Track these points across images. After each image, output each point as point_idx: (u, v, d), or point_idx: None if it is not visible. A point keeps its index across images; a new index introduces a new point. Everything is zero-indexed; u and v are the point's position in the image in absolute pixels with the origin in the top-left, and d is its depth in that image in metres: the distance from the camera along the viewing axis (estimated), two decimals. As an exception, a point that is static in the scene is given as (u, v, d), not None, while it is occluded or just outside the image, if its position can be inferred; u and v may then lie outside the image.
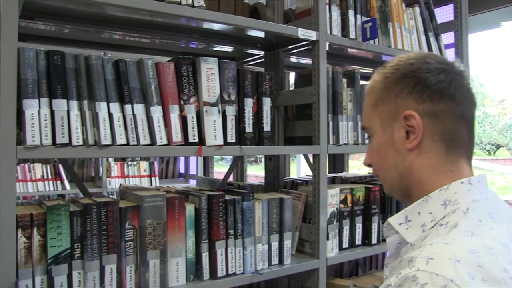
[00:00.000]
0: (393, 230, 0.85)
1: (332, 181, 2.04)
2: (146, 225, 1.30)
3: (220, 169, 6.60)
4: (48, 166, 4.01)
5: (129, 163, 4.27)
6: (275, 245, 1.59)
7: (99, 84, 1.25)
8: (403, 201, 1.00)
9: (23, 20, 1.42)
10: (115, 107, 1.27)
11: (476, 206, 0.76)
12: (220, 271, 1.44)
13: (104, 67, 1.26)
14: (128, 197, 1.42)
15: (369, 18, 1.83)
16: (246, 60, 2.12)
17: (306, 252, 1.72)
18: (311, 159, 1.73)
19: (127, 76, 1.30)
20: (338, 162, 2.63)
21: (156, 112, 1.33)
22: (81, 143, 1.21)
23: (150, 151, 1.34)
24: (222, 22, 1.47)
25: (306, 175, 2.20)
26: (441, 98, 0.81)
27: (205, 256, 1.42)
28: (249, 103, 1.55)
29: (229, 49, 1.97)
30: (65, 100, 1.20)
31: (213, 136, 1.43)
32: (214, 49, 1.97)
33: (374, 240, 1.90)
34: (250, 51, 2.01)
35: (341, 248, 1.80)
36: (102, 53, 2.26)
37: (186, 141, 1.39)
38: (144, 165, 4.34)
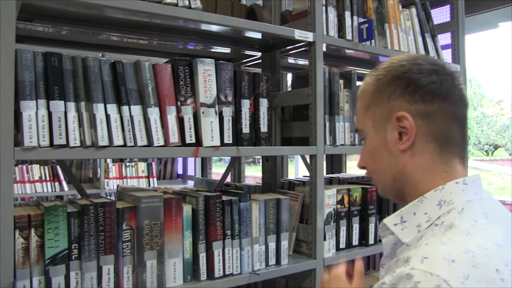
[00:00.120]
0: (388, 231, 0.85)
1: (330, 182, 2.05)
2: (143, 225, 1.31)
3: (218, 170, 6.59)
4: (46, 168, 4.01)
5: (127, 164, 4.27)
6: (272, 245, 1.60)
7: (96, 85, 1.25)
8: (397, 202, 1.00)
9: (21, 22, 1.43)
10: (112, 108, 1.28)
11: (471, 206, 0.77)
12: (218, 272, 1.44)
13: (101, 69, 1.27)
14: (125, 198, 1.42)
15: (365, 19, 1.84)
16: (243, 61, 2.12)
17: (303, 252, 1.73)
18: (308, 160, 1.73)
19: (124, 78, 1.31)
20: (335, 162, 2.63)
21: (153, 113, 1.34)
22: (78, 144, 1.22)
23: (147, 152, 1.34)
24: (219, 24, 1.48)
25: (304, 176, 2.20)
26: (433, 99, 0.81)
27: (202, 257, 1.43)
28: (246, 104, 1.55)
29: (226, 50, 1.98)
30: (62, 102, 1.21)
31: (210, 137, 1.43)
32: (212, 50, 1.97)
33: (371, 240, 1.91)
34: (247, 52, 2.01)
35: (338, 248, 1.81)
36: (100, 55, 2.27)
37: (183, 142, 1.39)
38: (142, 166, 4.33)
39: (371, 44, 1.88)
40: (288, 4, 2.19)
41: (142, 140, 1.32)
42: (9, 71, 1.10)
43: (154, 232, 1.32)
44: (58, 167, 3.97)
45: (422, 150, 0.82)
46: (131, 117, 1.31)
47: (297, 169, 5.28)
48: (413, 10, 2.07)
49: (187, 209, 1.41)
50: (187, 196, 1.48)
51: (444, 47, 2.30)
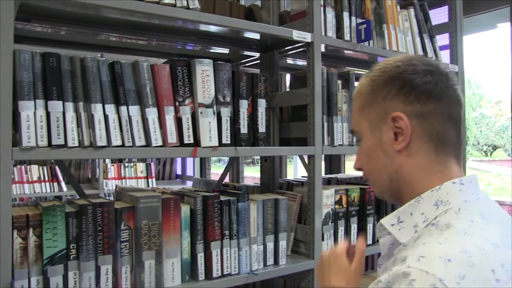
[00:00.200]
0: (385, 231, 0.85)
1: (328, 182, 2.05)
2: (142, 225, 1.31)
3: (217, 171, 6.60)
4: (45, 168, 4.01)
5: (126, 164, 4.27)
6: (270, 245, 1.60)
7: (94, 85, 1.25)
8: (394, 203, 1.00)
9: (19, 22, 1.43)
10: (110, 108, 1.28)
11: (468, 207, 0.77)
12: (216, 272, 1.45)
13: (99, 69, 1.27)
14: (124, 198, 1.42)
15: (363, 20, 1.84)
16: (241, 61, 2.12)
17: (301, 252, 1.73)
18: (306, 160, 1.74)
19: (122, 78, 1.31)
20: (334, 163, 2.64)
21: (151, 113, 1.34)
22: (76, 144, 1.22)
23: (145, 152, 1.34)
24: (217, 24, 1.48)
25: (302, 176, 2.21)
26: (428, 99, 0.82)
27: (201, 257, 1.43)
28: (244, 105, 1.55)
29: (224, 51, 1.98)
30: (60, 102, 1.21)
31: (208, 137, 1.44)
32: (210, 51, 1.97)
33: (369, 240, 1.91)
34: (245, 52, 2.02)
35: (336, 248, 1.81)
36: (99, 55, 2.27)
37: (181, 142, 1.40)
38: (141, 166, 4.34)
39: (369, 44, 1.89)
40: (287, 4, 2.20)
41: (140, 140, 1.32)
42: (7, 71, 1.10)
43: (152, 232, 1.32)
44: (57, 167, 3.97)
45: (418, 150, 0.83)
46: (129, 117, 1.31)
47: (296, 170, 5.28)
48: (411, 10, 2.07)
49: (185, 209, 1.41)
50: (185, 196, 1.49)
51: (443, 47, 2.31)
